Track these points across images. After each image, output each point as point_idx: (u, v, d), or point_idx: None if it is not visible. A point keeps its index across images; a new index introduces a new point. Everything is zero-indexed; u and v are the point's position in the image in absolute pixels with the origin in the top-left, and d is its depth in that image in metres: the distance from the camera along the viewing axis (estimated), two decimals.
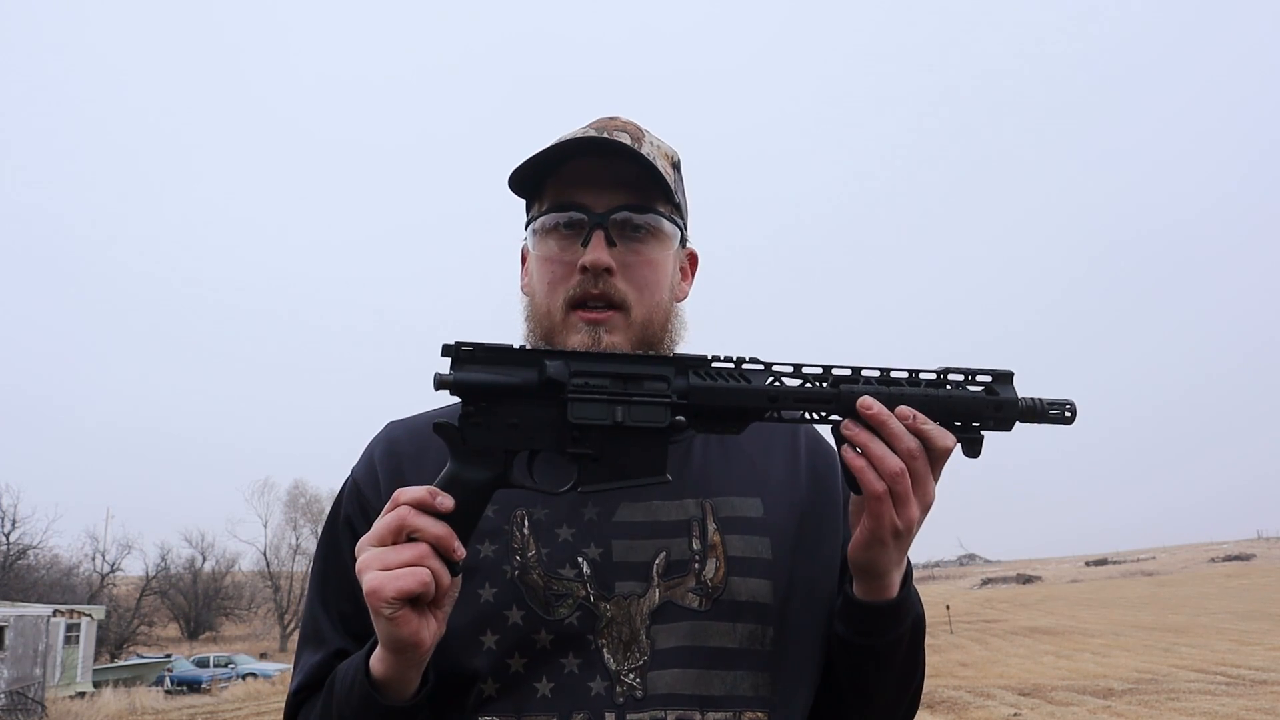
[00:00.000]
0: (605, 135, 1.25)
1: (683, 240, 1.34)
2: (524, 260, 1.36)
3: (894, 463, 1.04)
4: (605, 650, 1.14)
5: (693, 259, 1.39)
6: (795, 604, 1.21)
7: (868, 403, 1.05)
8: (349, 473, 1.31)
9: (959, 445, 1.09)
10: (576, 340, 1.21)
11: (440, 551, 1.00)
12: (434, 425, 1.06)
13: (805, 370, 1.09)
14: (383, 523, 1.00)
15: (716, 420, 1.08)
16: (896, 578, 1.13)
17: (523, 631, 1.14)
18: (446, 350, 1.05)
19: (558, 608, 1.15)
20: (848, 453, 1.07)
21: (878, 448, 1.05)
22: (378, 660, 1.04)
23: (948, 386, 1.11)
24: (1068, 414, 1.12)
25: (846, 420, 1.07)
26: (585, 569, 1.17)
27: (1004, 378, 1.12)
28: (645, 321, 1.25)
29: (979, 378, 1.12)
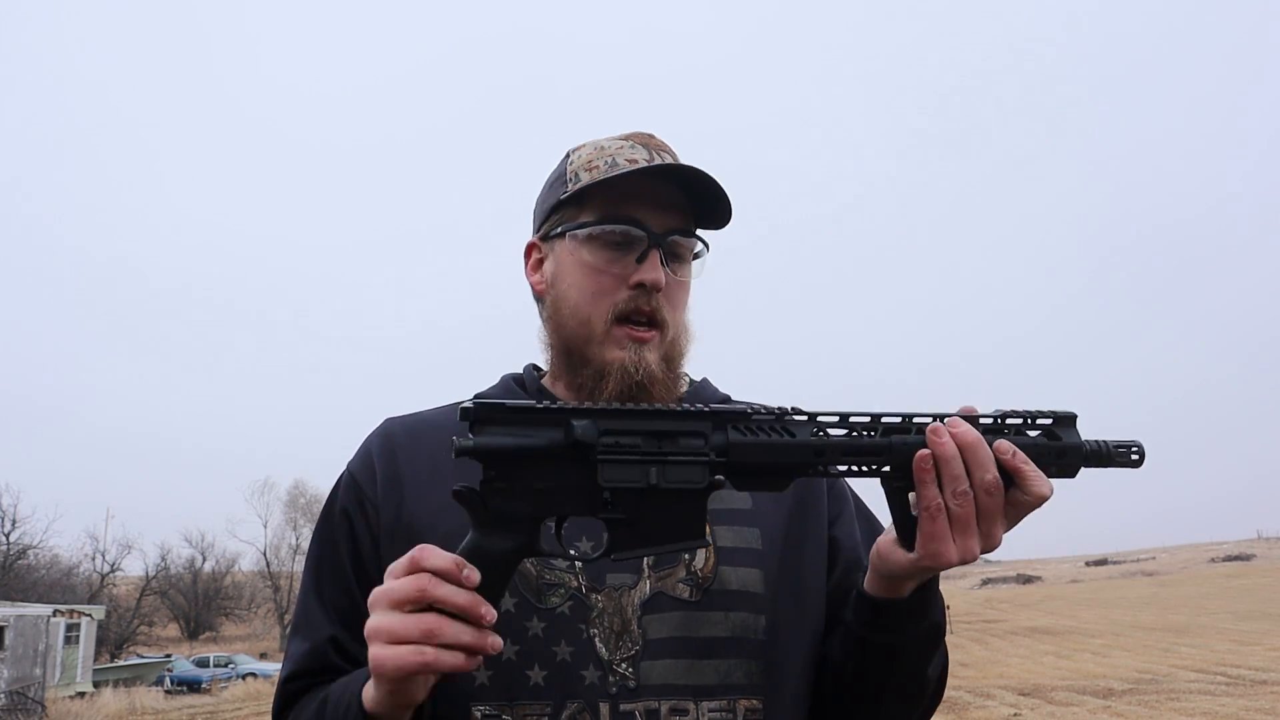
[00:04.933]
0: (655, 154, 1.27)
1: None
2: (529, 256, 1.35)
3: (963, 480, 0.97)
4: (597, 640, 1.14)
5: None
6: (786, 592, 1.21)
7: (955, 422, 0.99)
8: (345, 467, 1.31)
9: None
10: (616, 355, 1.21)
11: (468, 620, 0.94)
12: (454, 493, 0.98)
13: (852, 420, 1.01)
14: (401, 587, 0.94)
15: (758, 478, 1.00)
16: (909, 586, 1.10)
17: (515, 619, 1.14)
18: (465, 414, 0.98)
19: (550, 596, 1.16)
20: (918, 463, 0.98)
21: (954, 466, 0.97)
22: (370, 693, 1.01)
23: (1006, 432, 1.02)
24: (1134, 456, 1.02)
25: (933, 424, 0.98)
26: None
27: (1066, 420, 1.02)
28: (674, 340, 1.27)
29: (1039, 420, 1.03)
